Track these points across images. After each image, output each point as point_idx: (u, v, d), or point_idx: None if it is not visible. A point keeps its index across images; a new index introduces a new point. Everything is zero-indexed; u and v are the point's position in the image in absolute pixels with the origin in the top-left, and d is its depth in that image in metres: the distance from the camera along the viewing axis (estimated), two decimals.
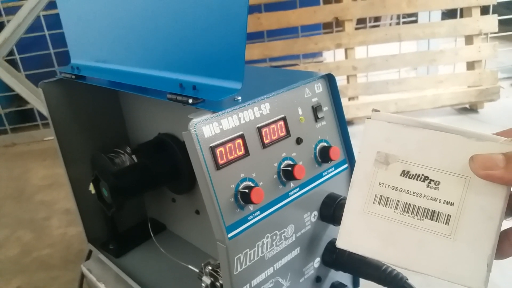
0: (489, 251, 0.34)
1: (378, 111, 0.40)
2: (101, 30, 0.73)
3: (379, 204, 0.39)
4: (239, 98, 0.54)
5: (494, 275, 0.35)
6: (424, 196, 0.37)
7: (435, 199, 0.37)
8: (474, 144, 0.35)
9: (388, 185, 0.38)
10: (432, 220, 0.37)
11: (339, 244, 0.40)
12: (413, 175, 0.38)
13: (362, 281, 0.73)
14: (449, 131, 0.37)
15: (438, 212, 0.36)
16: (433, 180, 0.37)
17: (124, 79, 0.66)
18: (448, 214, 0.36)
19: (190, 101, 0.52)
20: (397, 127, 0.39)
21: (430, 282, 0.97)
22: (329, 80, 0.65)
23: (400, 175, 0.38)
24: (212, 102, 0.52)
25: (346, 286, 0.70)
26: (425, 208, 0.37)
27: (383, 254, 0.38)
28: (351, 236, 0.40)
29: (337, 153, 0.62)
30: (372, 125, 0.40)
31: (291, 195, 0.59)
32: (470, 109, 2.24)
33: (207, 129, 0.50)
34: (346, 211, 0.40)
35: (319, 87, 0.64)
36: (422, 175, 0.37)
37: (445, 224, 0.36)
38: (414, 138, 0.38)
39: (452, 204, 0.36)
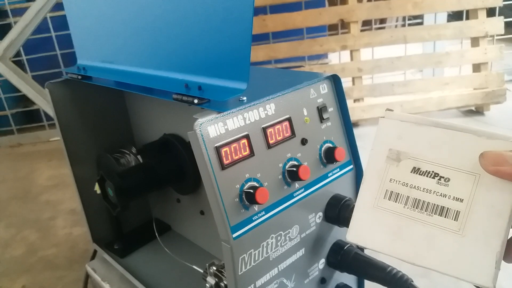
0: (498, 247, 0.34)
1: (391, 110, 0.41)
2: (107, 31, 0.74)
3: (389, 199, 0.39)
4: (244, 98, 0.55)
5: (500, 276, 0.35)
6: (434, 193, 0.38)
7: (445, 196, 0.37)
8: (484, 142, 0.36)
9: (399, 181, 0.39)
10: (441, 216, 0.37)
11: (349, 238, 0.41)
12: (423, 171, 0.38)
13: (367, 283, 0.72)
14: (460, 130, 0.37)
15: (448, 208, 0.37)
16: (443, 177, 0.37)
17: (130, 80, 0.67)
18: (457, 210, 0.36)
19: (196, 101, 0.53)
20: (409, 125, 0.40)
21: (436, 284, 0.98)
22: (335, 81, 0.65)
23: (411, 172, 0.39)
24: (218, 102, 0.52)
25: (351, 287, 0.70)
26: (434, 204, 0.37)
27: (392, 248, 0.38)
28: (361, 230, 0.40)
29: (342, 154, 0.62)
30: (385, 123, 0.41)
31: (296, 196, 0.59)
32: (476, 111, 2.23)
33: (212, 129, 0.50)
34: (357, 206, 0.41)
35: (324, 88, 0.64)
36: (433, 172, 0.38)
37: (454, 220, 0.36)
38: (426, 136, 0.39)
39: (461, 200, 0.36)
